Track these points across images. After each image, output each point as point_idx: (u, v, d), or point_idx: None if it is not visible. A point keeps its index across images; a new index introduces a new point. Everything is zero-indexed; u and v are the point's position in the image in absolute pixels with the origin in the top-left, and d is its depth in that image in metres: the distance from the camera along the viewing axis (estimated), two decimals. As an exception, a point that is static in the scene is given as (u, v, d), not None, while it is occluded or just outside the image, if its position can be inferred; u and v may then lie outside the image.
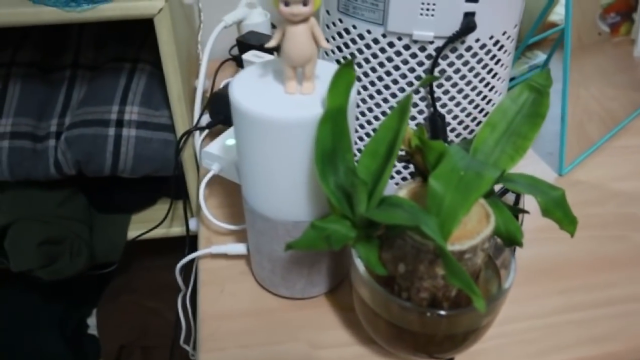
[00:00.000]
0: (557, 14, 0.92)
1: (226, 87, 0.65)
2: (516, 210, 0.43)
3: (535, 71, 0.86)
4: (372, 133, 0.52)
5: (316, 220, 0.37)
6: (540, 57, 0.87)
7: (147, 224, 0.78)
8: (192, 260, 0.55)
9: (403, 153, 0.41)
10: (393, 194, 0.37)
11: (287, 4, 0.33)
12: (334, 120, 0.35)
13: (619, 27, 0.71)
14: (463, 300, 0.39)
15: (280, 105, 0.37)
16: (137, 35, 0.75)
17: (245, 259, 0.53)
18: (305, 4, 0.33)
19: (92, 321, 0.97)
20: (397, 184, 0.55)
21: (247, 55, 0.70)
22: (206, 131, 0.70)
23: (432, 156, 0.38)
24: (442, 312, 0.37)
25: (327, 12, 0.50)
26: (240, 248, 0.52)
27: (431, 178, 0.34)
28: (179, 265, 0.55)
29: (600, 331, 0.47)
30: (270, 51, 0.74)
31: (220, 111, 0.64)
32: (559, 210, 0.39)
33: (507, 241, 0.40)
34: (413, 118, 0.50)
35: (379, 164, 0.36)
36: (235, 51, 0.84)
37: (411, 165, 0.54)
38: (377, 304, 0.40)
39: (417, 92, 0.47)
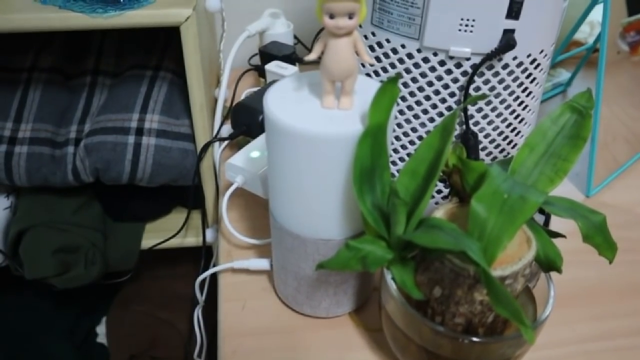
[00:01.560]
0: (581, 31, 0.91)
1: (248, 97, 0.64)
2: (552, 234, 0.41)
3: (559, 89, 0.85)
4: (400, 150, 0.51)
5: (351, 240, 0.35)
6: (564, 75, 0.86)
7: (160, 233, 0.77)
8: (210, 274, 0.53)
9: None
10: (431, 216, 0.36)
11: (332, 17, 0.32)
12: (374, 138, 0.34)
13: (637, 46, 0.70)
14: (499, 327, 0.38)
15: (317, 120, 0.36)
16: (159, 43, 0.75)
17: (267, 274, 0.52)
18: (350, 17, 0.32)
19: (101, 330, 0.96)
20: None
21: (270, 66, 0.70)
22: (226, 142, 0.69)
23: (472, 177, 0.37)
24: (477, 339, 0.36)
25: (359, 24, 0.49)
26: (263, 263, 0.51)
27: (473, 200, 0.33)
28: (198, 280, 0.54)
29: (635, 361, 0.46)
30: (292, 62, 0.74)
31: (242, 122, 0.63)
32: (599, 236, 0.37)
33: (546, 266, 0.38)
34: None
35: (419, 183, 0.35)
36: (255, 60, 0.83)
37: (438, 184, 0.53)
38: (409, 327, 0.38)
39: (456, 110, 0.46)
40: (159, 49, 0.74)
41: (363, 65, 0.51)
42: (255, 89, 0.73)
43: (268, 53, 0.74)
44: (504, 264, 0.34)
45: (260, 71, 0.77)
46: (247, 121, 0.63)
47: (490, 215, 0.33)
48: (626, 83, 0.70)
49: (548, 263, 0.38)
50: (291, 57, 0.74)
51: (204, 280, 0.69)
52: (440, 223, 0.33)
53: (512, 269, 0.34)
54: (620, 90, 0.69)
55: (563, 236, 0.42)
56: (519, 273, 0.35)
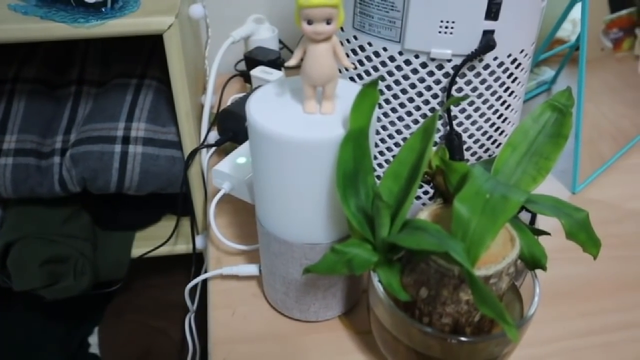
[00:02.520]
0: (564, 29, 0.92)
1: (235, 103, 0.65)
2: (537, 232, 0.42)
3: (544, 87, 0.86)
4: (385, 152, 0.51)
5: (336, 244, 0.35)
6: (548, 73, 0.86)
7: (151, 241, 0.77)
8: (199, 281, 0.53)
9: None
10: (416, 217, 0.36)
11: (310, 23, 0.32)
12: (356, 141, 0.34)
13: (621, 43, 0.71)
14: (486, 326, 0.38)
15: (299, 125, 0.36)
16: (144, 51, 0.75)
17: (256, 280, 0.52)
18: (328, 23, 0.32)
19: (93, 340, 0.95)
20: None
21: (256, 72, 0.70)
22: (213, 148, 0.69)
23: (455, 178, 0.38)
24: (465, 339, 0.36)
25: (341, 28, 0.49)
26: (252, 269, 0.51)
27: (456, 201, 0.33)
28: (188, 287, 0.54)
29: (624, 355, 0.46)
30: (278, 67, 0.74)
31: (229, 128, 0.63)
32: (583, 233, 0.38)
33: (531, 264, 0.39)
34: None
35: (402, 186, 0.35)
36: (241, 66, 0.83)
37: (425, 185, 0.53)
38: (397, 329, 0.38)
39: (437, 112, 0.47)
40: (144, 57, 0.74)
41: (347, 69, 0.51)
42: (241, 94, 0.73)
43: (253, 58, 0.74)
44: (488, 264, 0.34)
45: (246, 77, 0.77)
46: (233, 127, 0.63)
47: (473, 215, 0.33)
48: (611, 79, 0.71)
49: (533, 261, 0.38)
50: (276, 62, 0.74)
51: (195, 288, 0.69)
52: (424, 224, 0.34)
53: (496, 268, 0.34)
54: (605, 86, 0.70)
55: (548, 234, 0.42)
56: (503, 272, 0.35)
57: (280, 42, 0.84)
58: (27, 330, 0.93)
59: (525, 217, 0.47)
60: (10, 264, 0.68)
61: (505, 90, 0.49)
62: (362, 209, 0.36)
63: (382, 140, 0.51)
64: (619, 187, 0.66)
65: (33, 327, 0.93)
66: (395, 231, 0.34)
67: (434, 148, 0.41)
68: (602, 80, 0.69)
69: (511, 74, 0.48)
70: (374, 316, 0.41)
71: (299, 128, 0.35)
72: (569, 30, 0.91)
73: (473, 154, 0.51)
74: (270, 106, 0.38)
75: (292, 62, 0.35)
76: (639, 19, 0.73)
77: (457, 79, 0.46)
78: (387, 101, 0.48)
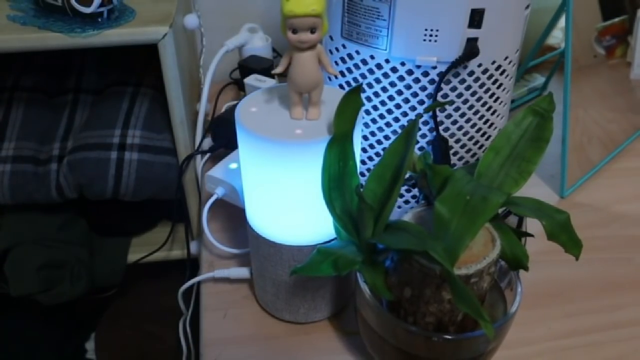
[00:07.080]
0: (555, 37, 0.93)
1: (228, 110, 0.66)
2: (520, 234, 0.43)
3: (535, 94, 0.87)
4: (374, 157, 0.53)
5: (321, 245, 0.37)
6: (538, 79, 0.88)
7: (147, 247, 0.78)
8: (193, 284, 0.54)
9: (407, 177, 0.42)
10: (399, 219, 0.38)
11: (295, 32, 0.33)
12: (341, 146, 0.35)
13: (614, 50, 0.72)
14: (469, 324, 0.39)
15: (286, 130, 0.37)
16: (140, 60, 0.76)
17: (248, 282, 0.53)
18: (312, 32, 0.33)
19: (90, 345, 0.96)
20: (399, 207, 0.55)
21: (249, 79, 0.71)
22: (207, 155, 0.70)
23: (438, 180, 0.39)
24: (448, 337, 0.37)
25: (330, 37, 0.51)
26: (243, 272, 0.52)
27: (437, 202, 0.34)
28: (181, 290, 0.55)
29: (608, 355, 0.47)
30: (271, 75, 0.75)
31: (222, 135, 0.64)
32: (564, 234, 0.39)
33: (513, 265, 0.40)
34: (416, 142, 0.50)
35: (385, 188, 0.36)
36: (236, 74, 0.85)
37: (413, 190, 0.54)
38: (383, 329, 0.39)
39: (420, 116, 0.48)
40: (140, 66, 0.75)
41: (336, 77, 0.52)
42: (236, 102, 0.75)
43: (247, 67, 0.76)
44: (469, 263, 0.36)
45: (240, 85, 0.79)
46: (226, 134, 0.64)
47: (453, 216, 0.34)
48: (602, 85, 0.72)
49: (515, 261, 0.39)
50: (270, 70, 0.75)
51: (189, 292, 0.70)
52: (406, 225, 0.35)
53: (477, 267, 0.35)
54: (596, 92, 0.71)
55: (531, 235, 0.43)
56: (484, 271, 0.36)
57: (274, 50, 0.85)
58: (24, 336, 0.94)
59: (513, 220, 0.49)
60: (7, 269, 0.69)
61: (491, 96, 0.50)
62: (347, 211, 0.37)
63: (371, 146, 0.52)
64: (607, 191, 0.67)
65: (30, 333, 0.94)
66: (378, 232, 0.35)
67: (420, 152, 0.42)
68: (594, 86, 0.70)
69: (496, 80, 0.49)
70: (361, 317, 0.42)
71: (286, 133, 0.37)
72: (559, 38, 0.93)
73: (460, 159, 0.52)
74: (258, 112, 0.39)
75: (278, 70, 0.36)
76: (631, 26, 0.74)
77: (443, 85, 0.47)
78: (374, 108, 0.50)
